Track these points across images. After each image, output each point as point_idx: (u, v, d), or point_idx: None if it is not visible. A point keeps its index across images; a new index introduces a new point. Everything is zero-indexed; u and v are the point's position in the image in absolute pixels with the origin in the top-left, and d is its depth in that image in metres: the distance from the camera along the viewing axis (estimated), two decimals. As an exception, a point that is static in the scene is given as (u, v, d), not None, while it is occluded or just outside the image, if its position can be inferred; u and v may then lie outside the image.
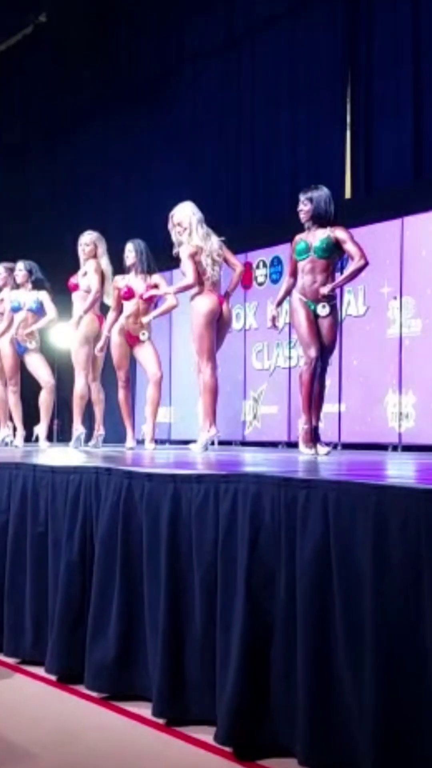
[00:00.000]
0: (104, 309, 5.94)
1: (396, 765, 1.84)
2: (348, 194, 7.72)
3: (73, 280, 5.98)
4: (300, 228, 4.67)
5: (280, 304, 4.86)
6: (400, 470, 3.18)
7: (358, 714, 1.98)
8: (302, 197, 4.66)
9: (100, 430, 6.04)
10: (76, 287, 5.94)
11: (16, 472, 3.20)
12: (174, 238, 5.19)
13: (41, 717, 2.56)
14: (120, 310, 5.65)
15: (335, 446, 6.93)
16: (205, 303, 5.03)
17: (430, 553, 1.85)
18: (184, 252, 5.05)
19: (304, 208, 4.64)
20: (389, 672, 1.90)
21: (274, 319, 4.87)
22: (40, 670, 2.93)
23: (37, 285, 6.54)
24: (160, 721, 2.42)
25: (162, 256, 5.66)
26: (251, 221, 8.35)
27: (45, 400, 6.49)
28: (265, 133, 8.49)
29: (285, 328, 7.03)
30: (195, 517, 2.43)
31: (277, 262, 7.69)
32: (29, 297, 6.53)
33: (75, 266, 6.01)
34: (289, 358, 7.45)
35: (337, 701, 2.05)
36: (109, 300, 5.78)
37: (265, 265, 7.79)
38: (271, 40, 8.50)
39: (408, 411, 6.54)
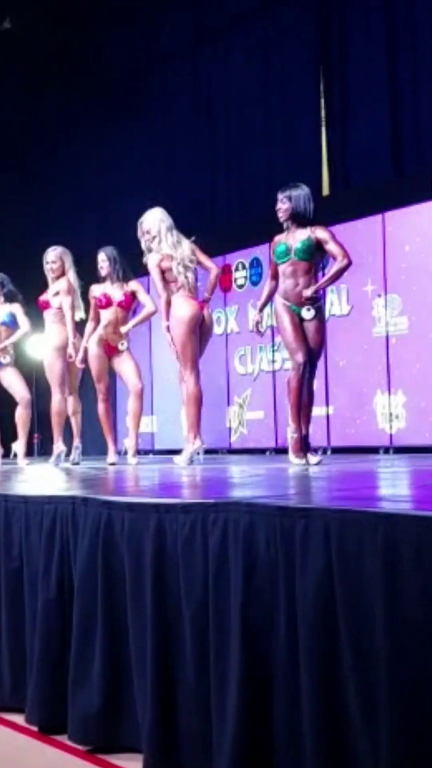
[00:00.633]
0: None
1: None
2: (326, 191, 7.54)
3: (43, 298, 5.76)
4: (279, 228, 4.47)
5: (263, 308, 4.65)
6: (401, 485, 2.98)
7: (373, 766, 1.77)
8: (280, 195, 4.46)
9: (76, 443, 5.82)
10: (47, 305, 5.73)
11: (-14, 502, 2.96)
12: (143, 245, 4.98)
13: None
14: (97, 320, 5.43)
15: (325, 451, 6.74)
16: (185, 310, 4.81)
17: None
18: (150, 262, 4.84)
19: (282, 206, 4.44)
20: (408, 719, 1.69)
21: (257, 324, 4.66)
22: (20, 719, 2.69)
23: (9, 298, 6.33)
24: (153, 776, 2.20)
25: (137, 262, 5.41)
26: (228, 222, 8.15)
27: (21, 416, 6.26)
28: (239, 132, 8.30)
29: (267, 330, 6.83)
30: (182, 550, 2.20)
31: (256, 263, 7.48)
32: (1, 310, 6.31)
33: (45, 277, 5.76)
34: (273, 361, 7.25)
35: (349, 753, 1.83)
36: (80, 314, 5.57)
37: (244, 267, 7.58)
38: (242, 38, 8.32)
39: (398, 412, 6.35)
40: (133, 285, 5.42)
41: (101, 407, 5.46)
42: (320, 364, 6.97)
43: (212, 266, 5.07)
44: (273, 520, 1.99)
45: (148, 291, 5.53)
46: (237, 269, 7.68)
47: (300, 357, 4.35)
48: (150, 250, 4.89)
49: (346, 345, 6.70)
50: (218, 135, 8.52)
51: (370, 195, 6.87)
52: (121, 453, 5.71)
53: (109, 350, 5.40)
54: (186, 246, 4.94)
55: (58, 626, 2.59)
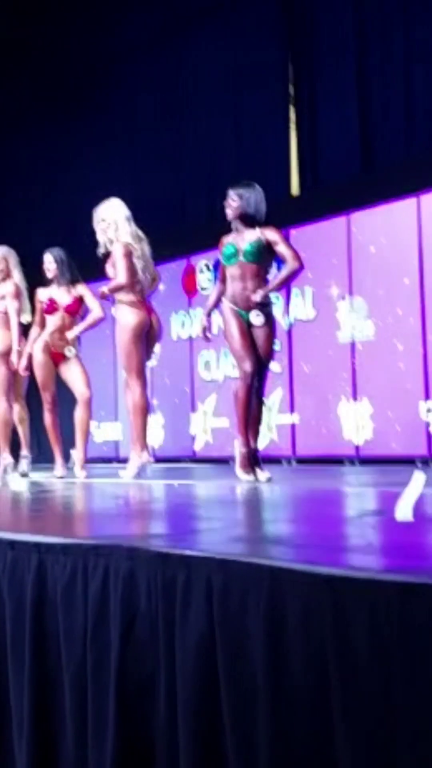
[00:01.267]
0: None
1: None
2: (295, 191, 7.29)
3: None
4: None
5: (210, 313, 4.38)
6: (326, 518, 2.70)
7: None
8: (231, 192, 4.18)
9: (24, 452, 5.54)
10: None
11: None
12: (99, 236, 4.70)
13: None
14: (43, 325, 5.15)
15: (289, 461, 6.47)
16: (131, 316, 4.54)
17: (339, 658, 1.37)
18: (117, 249, 4.54)
19: (232, 204, 4.17)
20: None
21: (204, 330, 4.39)
22: None
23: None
24: None
25: (92, 264, 5.13)
26: (194, 223, 7.87)
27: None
28: (206, 130, 8.02)
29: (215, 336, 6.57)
30: (62, 598, 1.93)
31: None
32: None
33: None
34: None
35: None
36: (26, 317, 5.29)
37: (209, 269, 7.31)
38: (208, 32, 8.05)
39: (364, 422, 6.09)
40: (81, 289, 5.14)
41: (48, 417, 5.17)
42: (285, 370, 6.79)
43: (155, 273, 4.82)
44: (154, 568, 1.72)
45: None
46: (201, 271, 7.40)
47: (248, 365, 4.07)
48: (110, 241, 4.61)
49: (311, 350, 6.44)
50: (184, 133, 8.24)
51: (339, 195, 6.61)
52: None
53: (56, 357, 5.12)
54: (146, 244, 4.68)
55: None
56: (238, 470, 4.13)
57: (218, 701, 1.57)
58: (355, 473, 5.06)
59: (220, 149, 7.86)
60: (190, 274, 7.46)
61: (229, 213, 4.21)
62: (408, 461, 5.61)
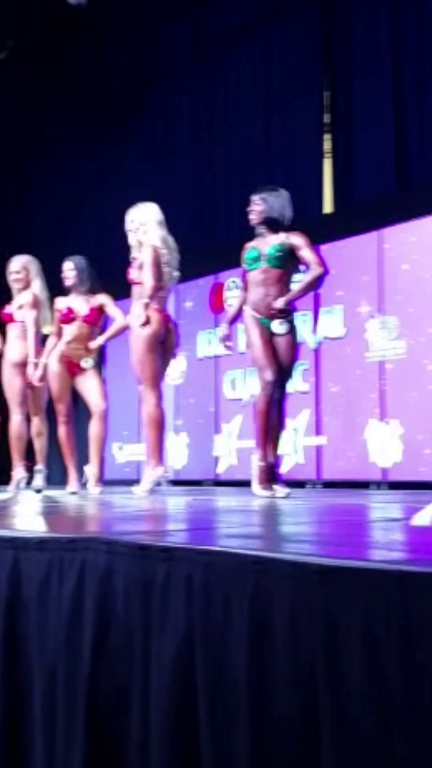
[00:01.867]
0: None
1: None
2: (328, 208, 7.13)
3: (7, 310, 5.36)
4: None
5: (233, 321, 4.20)
6: (331, 523, 2.48)
7: None
8: (255, 197, 4.04)
9: (40, 466, 5.36)
10: (10, 318, 5.33)
11: None
12: (131, 239, 4.57)
13: None
14: (61, 335, 5.01)
15: (314, 484, 6.23)
16: (146, 324, 4.36)
17: (328, 661, 1.15)
18: (146, 253, 4.38)
19: (256, 208, 4.01)
20: None
21: (225, 338, 4.20)
22: None
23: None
24: None
25: (120, 283, 4.98)
26: (226, 240, 7.73)
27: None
28: (239, 148, 7.93)
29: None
30: (36, 598, 1.73)
31: (250, 283, 7.05)
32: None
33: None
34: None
35: None
36: (48, 328, 5.16)
37: (237, 286, 7.13)
38: (243, 51, 7.99)
39: (393, 444, 5.83)
40: (101, 298, 4.99)
41: (62, 430, 5.00)
42: (312, 390, 6.57)
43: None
44: (132, 563, 1.52)
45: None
46: (229, 288, 7.24)
47: (269, 375, 3.88)
48: (140, 244, 4.46)
49: (340, 370, 6.21)
50: (217, 151, 8.16)
51: (372, 211, 6.44)
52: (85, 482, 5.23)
53: (72, 368, 4.96)
54: (176, 252, 4.54)
55: None
56: (255, 486, 3.91)
57: (196, 720, 1.36)
58: (381, 495, 4.81)
59: (253, 168, 7.75)
60: (217, 293, 7.31)
61: (253, 218, 4.05)
62: (439, 486, 5.33)
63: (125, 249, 4.69)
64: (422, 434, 5.66)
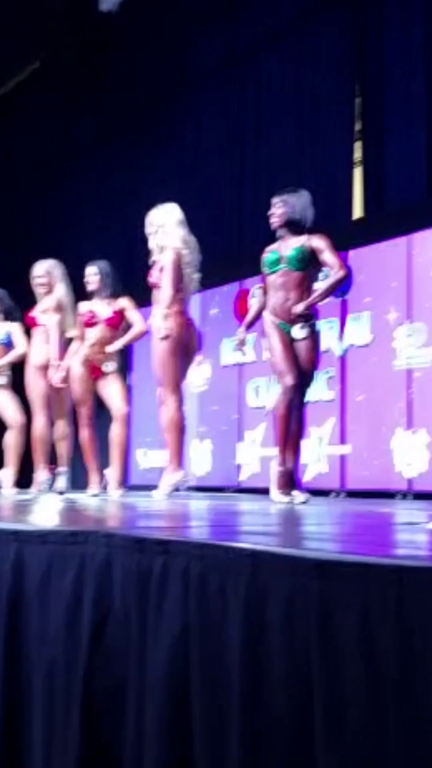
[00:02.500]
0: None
1: None
2: (358, 214, 7.08)
3: (31, 314, 5.38)
4: None
5: (250, 326, 4.16)
6: (339, 524, 2.42)
7: None
8: (275, 200, 4.00)
9: (62, 468, 5.35)
10: (34, 322, 5.35)
11: None
12: (150, 242, 4.56)
13: None
14: (84, 339, 5.01)
15: (338, 493, 6.15)
16: (167, 326, 4.34)
17: (323, 655, 1.11)
18: (167, 256, 4.36)
19: (276, 211, 3.98)
20: None
21: (241, 343, 4.17)
22: None
23: (7, 315, 5.98)
24: None
25: (147, 291, 4.98)
26: (251, 247, 7.71)
27: (12, 442, 5.84)
28: (269, 154, 7.91)
29: (251, 350, 6.34)
30: (37, 590, 1.71)
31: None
32: (-1, 329, 5.97)
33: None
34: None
35: None
36: (73, 331, 5.17)
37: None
38: (274, 56, 7.97)
39: (419, 454, 5.74)
40: (123, 302, 4.99)
41: (84, 433, 4.99)
42: (337, 398, 6.49)
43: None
44: (130, 556, 1.49)
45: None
46: (253, 295, 7.20)
47: (289, 380, 3.83)
48: (162, 248, 4.45)
49: (365, 378, 6.13)
50: (247, 158, 8.15)
51: (403, 217, 6.37)
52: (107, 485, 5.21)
53: (94, 372, 4.96)
54: (197, 252, 4.52)
55: None
56: (274, 491, 3.87)
57: (190, 716, 1.32)
58: (405, 504, 4.73)
59: (282, 175, 7.72)
60: (242, 299, 7.28)
61: (275, 221, 4.02)
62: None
63: (149, 255, 4.70)
64: (449, 444, 5.57)
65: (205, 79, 8.53)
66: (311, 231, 3.96)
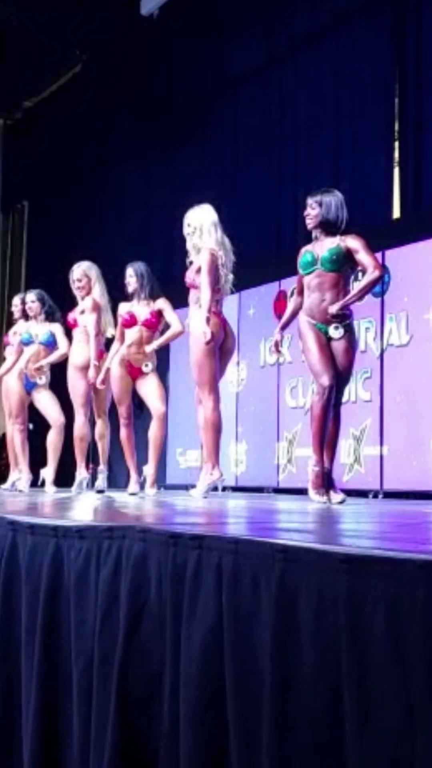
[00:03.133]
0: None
1: None
2: (396, 214, 7.05)
3: (71, 316, 5.47)
4: None
5: (285, 327, 4.17)
6: (381, 522, 2.43)
7: None
8: (310, 200, 4.01)
9: (102, 467, 5.43)
10: (75, 323, 5.44)
11: None
12: (188, 244, 4.61)
13: None
14: (123, 340, 5.08)
15: (376, 494, 6.13)
16: (204, 326, 4.37)
17: (352, 647, 1.13)
18: (203, 257, 4.40)
19: (311, 212, 3.99)
20: None
21: (277, 344, 4.19)
22: None
23: (49, 316, 6.08)
24: None
25: (183, 291, 5.03)
26: (290, 248, 7.71)
27: (53, 441, 5.95)
28: (308, 154, 7.91)
29: (288, 353, 6.31)
30: (75, 585, 1.76)
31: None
32: (41, 329, 6.06)
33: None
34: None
35: None
36: (110, 331, 5.24)
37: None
38: (313, 58, 7.97)
39: (458, 454, 5.70)
40: (161, 303, 5.05)
41: (123, 432, 5.06)
42: (375, 399, 6.47)
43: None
44: (165, 550, 1.53)
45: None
46: (292, 295, 7.21)
47: (326, 380, 3.84)
48: (198, 249, 4.50)
49: (404, 378, 6.11)
50: (285, 159, 8.15)
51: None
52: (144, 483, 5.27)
53: (133, 372, 5.02)
54: (231, 254, 4.56)
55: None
56: (311, 491, 3.88)
57: (224, 706, 1.35)
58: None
59: (320, 175, 7.71)
60: (281, 299, 7.29)
61: (310, 222, 4.03)
62: None
63: (186, 255, 4.74)
64: None
65: (244, 81, 8.56)
66: (346, 231, 3.96)
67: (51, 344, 6.02)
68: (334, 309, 3.82)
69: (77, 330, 5.42)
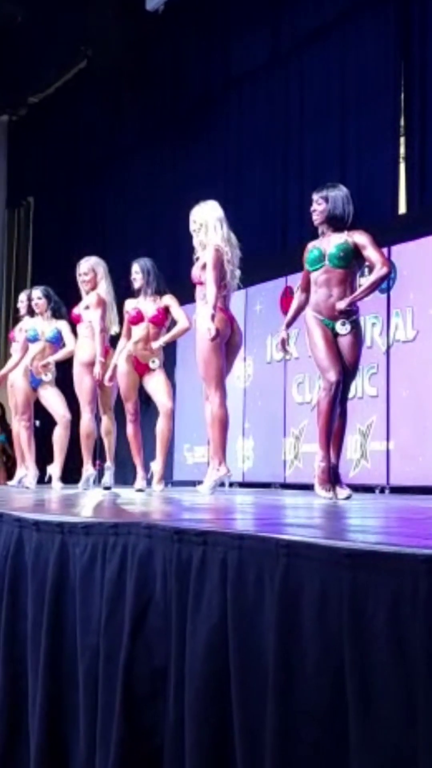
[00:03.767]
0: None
1: None
2: (402, 209, 7.03)
3: (75, 311, 5.48)
4: None
5: (289, 325, 4.17)
6: (386, 517, 2.43)
7: None
8: (316, 196, 4.01)
9: (108, 464, 5.44)
10: (79, 318, 5.44)
11: None
12: (195, 240, 4.61)
13: None
14: (129, 336, 5.08)
15: (382, 489, 6.13)
16: (216, 327, 4.37)
17: (354, 641, 1.14)
18: (208, 254, 4.40)
19: (318, 208, 3.98)
20: None
21: (283, 342, 4.18)
22: None
23: (55, 313, 6.09)
24: None
25: (189, 288, 5.03)
26: (296, 244, 7.70)
27: (60, 437, 5.96)
28: (313, 151, 7.89)
29: (295, 349, 6.30)
30: (80, 581, 1.77)
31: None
32: (47, 326, 6.07)
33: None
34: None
35: None
36: (115, 328, 5.25)
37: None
38: (318, 54, 7.94)
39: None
40: (167, 299, 5.05)
41: (130, 428, 5.07)
42: (381, 394, 6.47)
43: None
44: (170, 546, 1.54)
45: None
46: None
47: (332, 375, 3.83)
48: (204, 246, 4.50)
49: (410, 373, 6.10)
50: (291, 155, 8.13)
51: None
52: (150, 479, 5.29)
53: (140, 368, 5.03)
54: (237, 249, 4.56)
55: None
56: (317, 487, 3.88)
57: (228, 701, 1.36)
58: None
59: (326, 172, 7.69)
60: (287, 295, 7.29)
61: (316, 218, 4.02)
62: None
63: (192, 251, 4.74)
64: None
65: (250, 78, 8.54)
66: (352, 227, 3.96)
67: (57, 341, 6.03)
68: (342, 305, 3.82)
69: (82, 326, 5.42)
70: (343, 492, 3.84)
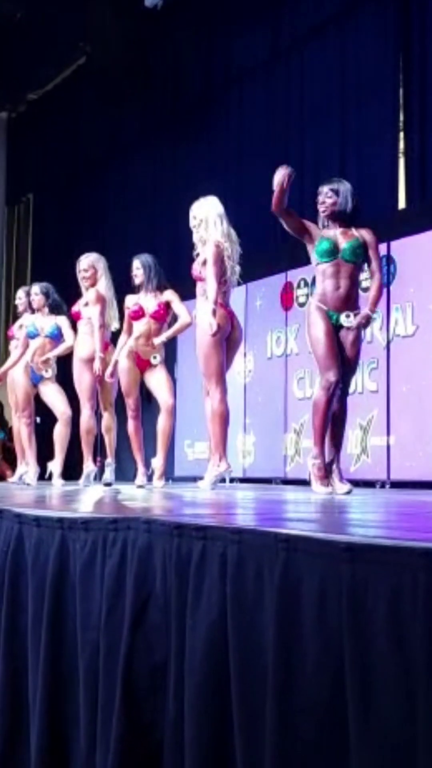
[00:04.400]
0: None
1: None
2: (402, 204, 7.03)
3: (75, 308, 5.48)
4: None
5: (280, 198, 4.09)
6: (386, 510, 2.43)
7: None
8: (325, 188, 4.01)
9: (109, 460, 5.44)
10: (78, 315, 5.45)
11: None
12: (195, 236, 4.61)
13: None
14: (130, 332, 5.08)
15: (383, 485, 6.13)
16: (217, 322, 4.37)
17: (354, 636, 1.14)
18: (208, 250, 4.39)
19: (328, 200, 3.98)
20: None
21: (288, 177, 4.06)
22: None
23: (54, 309, 6.08)
24: None
25: (189, 284, 5.04)
26: (298, 241, 7.68)
27: (60, 433, 5.96)
28: (313, 147, 7.89)
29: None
30: (80, 576, 1.77)
31: (320, 281, 6.99)
32: (47, 322, 6.06)
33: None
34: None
35: None
36: (115, 324, 5.25)
37: (306, 284, 7.11)
38: (318, 50, 7.93)
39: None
40: (169, 295, 5.05)
41: (131, 424, 5.07)
42: (382, 389, 6.47)
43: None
44: (170, 541, 1.54)
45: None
46: (299, 286, 7.21)
47: (332, 375, 3.83)
48: (204, 241, 4.50)
49: (410, 369, 6.09)
50: (291, 151, 8.11)
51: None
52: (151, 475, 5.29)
53: (141, 364, 5.03)
54: (237, 245, 4.56)
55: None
56: (314, 483, 3.87)
57: (228, 696, 1.36)
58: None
59: (326, 165, 7.69)
60: (288, 291, 7.29)
61: (325, 210, 4.00)
62: None
63: (193, 249, 4.74)
64: None
65: (250, 74, 8.52)
66: (357, 223, 3.97)
67: (56, 337, 6.03)
68: (367, 311, 3.88)
69: (82, 322, 5.42)
70: (343, 487, 3.84)
